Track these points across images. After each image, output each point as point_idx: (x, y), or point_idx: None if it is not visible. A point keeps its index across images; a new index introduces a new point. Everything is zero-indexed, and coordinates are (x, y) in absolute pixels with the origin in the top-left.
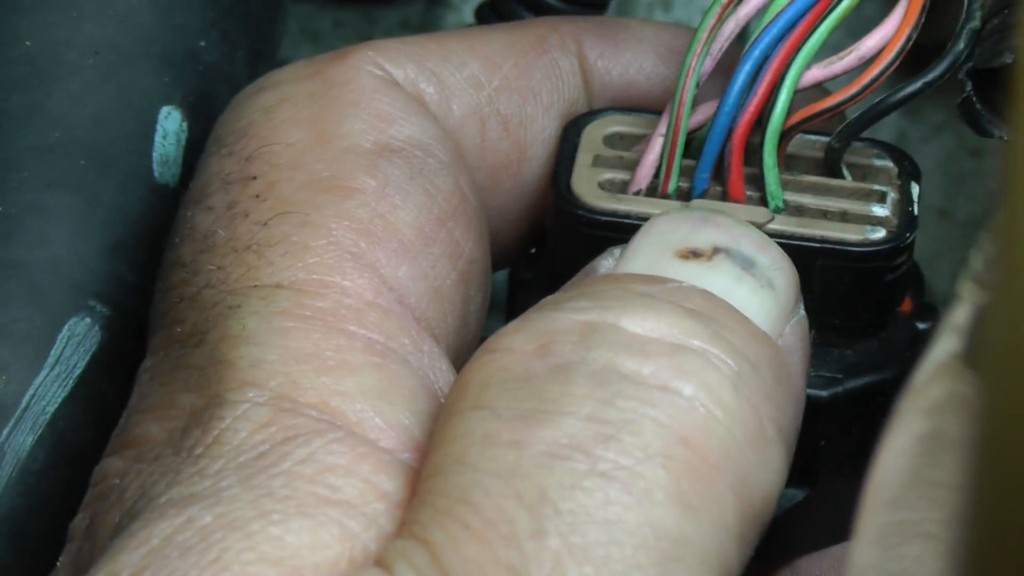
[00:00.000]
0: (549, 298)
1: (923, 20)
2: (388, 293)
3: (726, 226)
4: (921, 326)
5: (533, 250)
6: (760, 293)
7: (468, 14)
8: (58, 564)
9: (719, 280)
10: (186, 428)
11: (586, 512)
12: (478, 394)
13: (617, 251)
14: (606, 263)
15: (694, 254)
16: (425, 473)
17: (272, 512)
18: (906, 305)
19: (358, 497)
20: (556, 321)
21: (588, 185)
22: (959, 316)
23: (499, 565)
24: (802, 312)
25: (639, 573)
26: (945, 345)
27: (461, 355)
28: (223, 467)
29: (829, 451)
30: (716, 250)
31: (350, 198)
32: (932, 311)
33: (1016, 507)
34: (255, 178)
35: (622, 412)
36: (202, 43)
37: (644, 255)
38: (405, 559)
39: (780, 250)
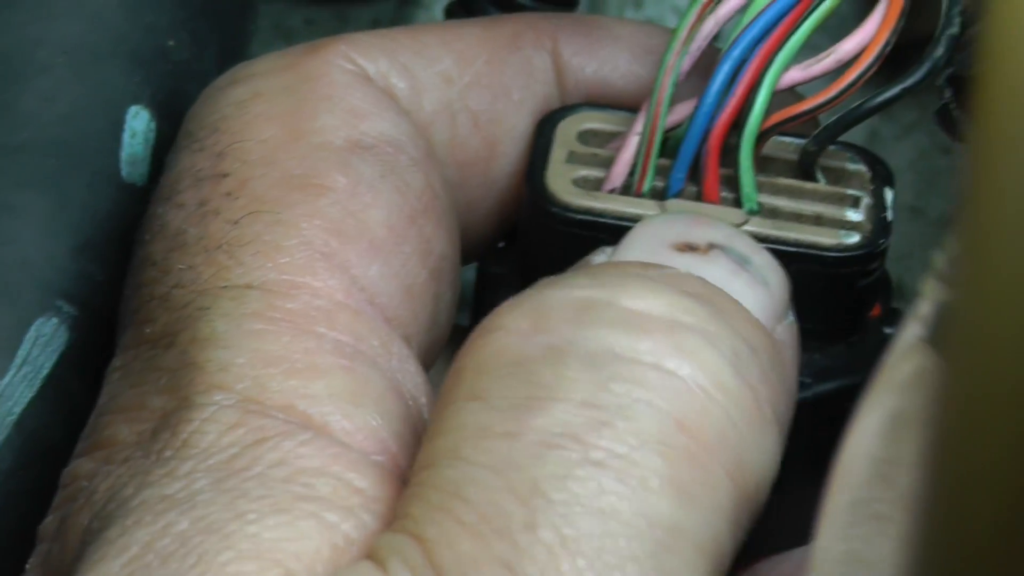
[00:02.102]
0: (545, 279)
1: (902, 24)
2: (358, 294)
3: (720, 227)
4: (889, 331)
5: (502, 244)
6: (755, 288)
7: (439, 12)
8: (27, 566)
9: (716, 272)
10: (155, 431)
11: (579, 503)
12: (472, 382)
13: (609, 249)
14: (600, 258)
15: (690, 247)
16: (418, 465)
17: (248, 512)
18: (875, 310)
19: (332, 493)
20: (551, 298)
21: (562, 182)
22: (923, 308)
23: (492, 560)
24: (791, 316)
25: (633, 565)
26: (911, 331)
27: (432, 352)
28: (193, 469)
29: (795, 455)
30: (712, 246)
31: (322, 196)
32: (900, 317)
33: (970, 491)
34: (227, 175)
35: (616, 396)
36: (172, 42)
37: (640, 247)
38: (399, 555)
39: (769, 254)
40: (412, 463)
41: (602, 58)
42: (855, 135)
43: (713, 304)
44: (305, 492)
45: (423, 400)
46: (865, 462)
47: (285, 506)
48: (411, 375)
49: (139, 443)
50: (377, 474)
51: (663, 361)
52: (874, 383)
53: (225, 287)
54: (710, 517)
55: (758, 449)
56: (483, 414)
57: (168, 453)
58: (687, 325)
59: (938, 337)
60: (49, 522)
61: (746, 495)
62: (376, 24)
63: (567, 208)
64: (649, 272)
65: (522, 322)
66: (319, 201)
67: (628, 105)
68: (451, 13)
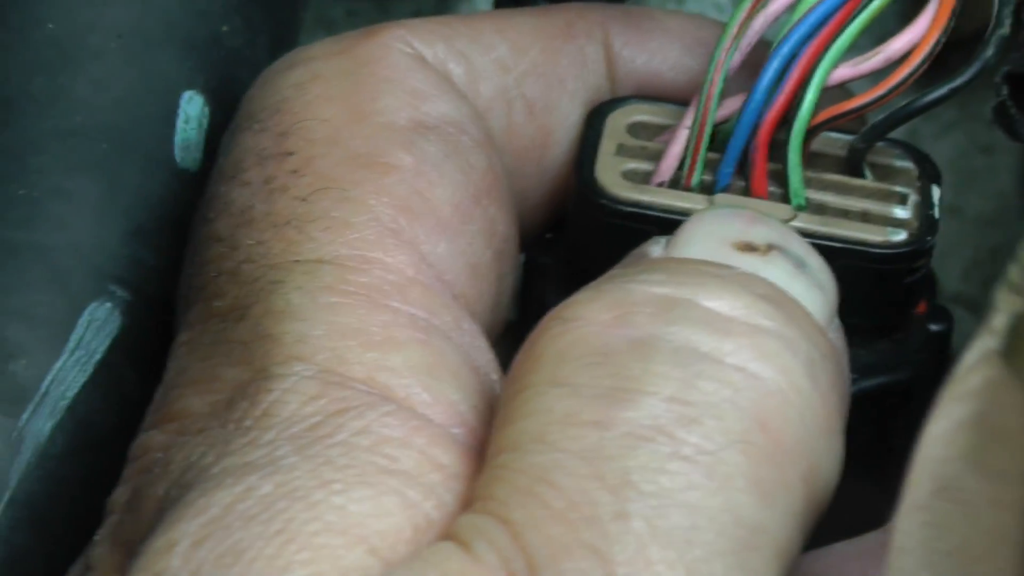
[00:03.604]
0: (615, 271)
1: (953, 24)
2: (428, 270)
3: (776, 226)
4: (934, 328)
5: (549, 235)
6: (813, 291)
7: (481, 4)
8: (96, 537)
9: (777, 274)
10: (231, 401)
11: (669, 495)
12: (555, 368)
13: (663, 240)
14: (655, 249)
15: (750, 247)
16: (498, 447)
17: (333, 481)
18: (921, 307)
19: (415, 468)
20: (632, 293)
21: (611, 174)
22: (997, 321)
23: (582, 546)
24: (838, 320)
25: (719, 560)
26: (983, 344)
27: (493, 334)
28: (276, 437)
29: None
30: (770, 247)
31: (388, 175)
32: (945, 313)
33: None
34: (292, 153)
35: (704, 394)
36: (225, 28)
37: (700, 243)
38: (484, 536)
39: (820, 256)
40: (489, 438)
41: (652, 50)
42: (895, 134)
43: (785, 308)
44: (388, 465)
45: (494, 376)
46: (931, 467)
47: (370, 479)
48: (482, 351)
49: (213, 414)
50: (458, 449)
51: (747, 363)
52: (943, 392)
53: (297, 261)
54: (787, 519)
55: (827, 455)
56: (569, 400)
57: (248, 422)
58: (767, 329)
59: (1013, 349)
60: (119, 494)
61: (815, 500)
62: (418, 16)
63: (616, 200)
64: (722, 272)
65: (603, 314)
66: (385, 179)
67: (678, 97)
68: (500, 2)
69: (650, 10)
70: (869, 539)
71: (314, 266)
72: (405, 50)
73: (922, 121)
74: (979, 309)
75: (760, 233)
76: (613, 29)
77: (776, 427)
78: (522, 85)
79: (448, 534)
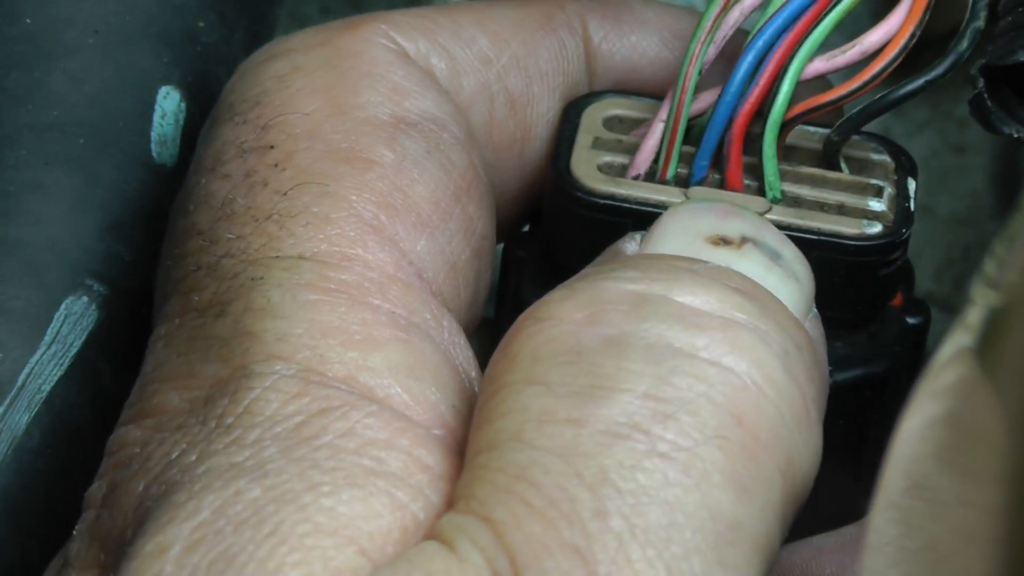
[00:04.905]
0: (589, 269)
1: (927, 17)
2: (408, 267)
3: (750, 219)
4: (910, 320)
5: (527, 228)
6: (788, 283)
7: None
8: (74, 532)
9: (751, 267)
10: (209, 398)
11: (646, 493)
12: (530, 367)
13: (638, 236)
14: (630, 245)
15: (724, 241)
16: (477, 447)
17: (321, 484)
18: (897, 299)
19: (402, 469)
20: (605, 290)
21: (587, 167)
22: (972, 316)
23: (564, 545)
24: (815, 310)
25: (698, 556)
26: (958, 339)
27: (471, 330)
28: (259, 437)
29: None
30: (744, 239)
31: (369, 170)
32: (922, 306)
33: None
34: (272, 147)
35: (678, 390)
36: (200, 24)
37: (674, 238)
38: (467, 536)
39: (796, 247)
40: (468, 438)
41: (631, 44)
42: (871, 127)
43: (759, 301)
44: (375, 467)
45: (473, 374)
46: (904, 465)
47: (359, 481)
48: (461, 348)
49: (191, 410)
50: (440, 449)
51: (721, 358)
52: (917, 389)
53: (277, 257)
54: (765, 512)
55: (805, 447)
56: (544, 399)
57: (230, 420)
58: (740, 322)
59: (987, 344)
60: (96, 488)
61: (794, 492)
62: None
63: (591, 193)
64: (695, 267)
65: (577, 313)
66: (366, 175)
67: (657, 91)
68: None
69: (628, 1)
70: (847, 532)
71: (294, 262)
72: (387, 44)
73: (894, 121)
74: (951, 308)
75: (734, 226)
76: (592, 22)
77: (752, 420)
78: (504, 79)
79: (432, 534)
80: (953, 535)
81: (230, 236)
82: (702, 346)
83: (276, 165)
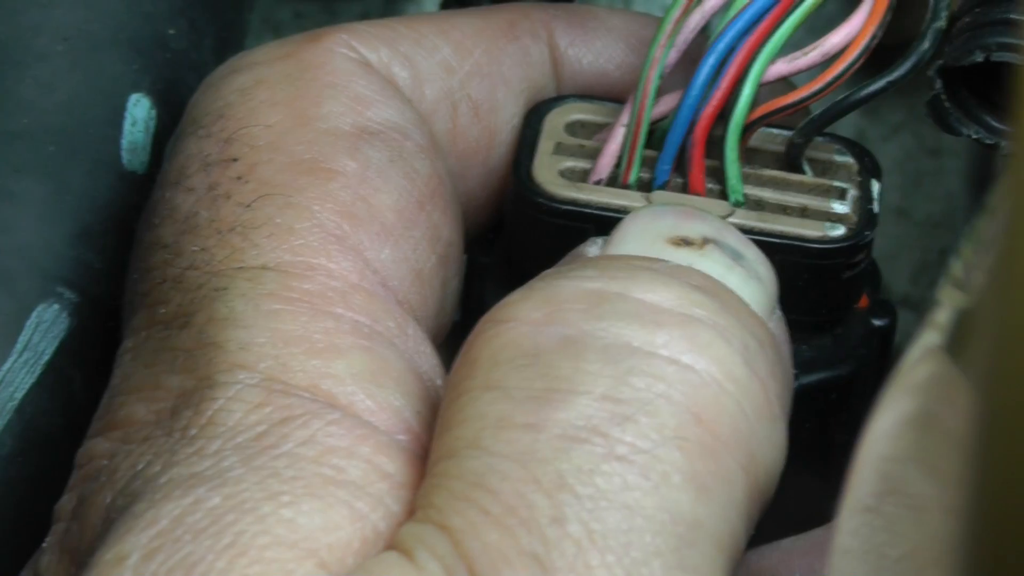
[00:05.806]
0: (549, 271)
1: (888, 19)
2: (372, 276)
3: (711, 220)
4: (877, 323)
5: (491, 235)
6: (750, 283)
7: (428, 6)
8: (44, 545)
9: (712, 267)
10: (175, 409)
11: (605, 497)
12: (488, 372)
13: (600, 240)
14: (592, 249)
15: (685, 242)
16: (436, 455)
17: (281, 493)
18: (863, 301)
19: (362, 478)
20: (563, 289)
21: (549, 173)
22: (940, 316)
23: (521, 553)
24: (779, 310)
25: (658, 560)
26: (927, 339)
27: (439, 338)
28: (221, 447)
29: None
30: (706, 240)
31: (332, 180)
32: (888, 308)
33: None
34: (236, 160)
35: (636, 391)
36: (171, 31)
37: (635, 241)
38: (425, 545)
39: (758, 248)
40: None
41: (598, 49)
42: (842, 134)
43: (719, 298)
44: (335, 476)
45: (438, 382)
46: (877, 465)
47: (318, 491)
48: (427, 356)
49: (158, 422)
50: (403, 456)
51: (679, 355)
52: (888, 387)
53: (240, 268)
54: (727, 511)
55: (768, 443)
56: (502, 404)
57: (193, 431)
58: (699, 319)
59: (957, 344)
60: (65, 501)
61: (758, 489)
62: (365, 18)
63: (553, 199)
64: (655, 265)
65: (534, 313)
66: (329, 185)
67: (625, 96)
68: (447, 3)
69: (594, 9)
70: (815, 535)
71: (257, 273)
72: (349, 55)
73: (870, 123)
74: (928, 312)
75: (695, 228)
76: (558, 29)
77: (712, 418)
78: (467, 86)
79: (392, 543)
80: (936, 544)
81: (194, 248)
82: (661, 344)
83: (239, 178)
